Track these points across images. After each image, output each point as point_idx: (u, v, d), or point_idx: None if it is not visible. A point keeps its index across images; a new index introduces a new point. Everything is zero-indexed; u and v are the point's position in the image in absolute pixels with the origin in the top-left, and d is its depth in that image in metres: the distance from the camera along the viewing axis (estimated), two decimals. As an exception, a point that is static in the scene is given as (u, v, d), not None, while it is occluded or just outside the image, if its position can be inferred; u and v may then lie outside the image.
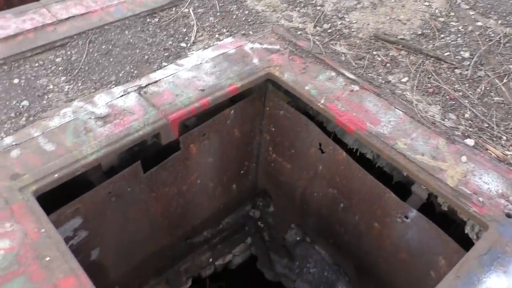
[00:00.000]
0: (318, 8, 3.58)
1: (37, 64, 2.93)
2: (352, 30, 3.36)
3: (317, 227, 3.62)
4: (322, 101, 2.67)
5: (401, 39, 3.27)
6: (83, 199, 2.44)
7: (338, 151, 2.90)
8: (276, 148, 3.44)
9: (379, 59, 3.11)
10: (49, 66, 2.93)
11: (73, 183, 2.33)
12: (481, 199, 2.21)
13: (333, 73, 2.88)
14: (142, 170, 2.70)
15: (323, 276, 3.92)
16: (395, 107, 2.69)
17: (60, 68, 2.91)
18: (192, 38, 3.19)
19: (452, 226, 2.74)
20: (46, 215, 2.01)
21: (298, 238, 3.91)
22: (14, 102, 2.65)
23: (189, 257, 3.81)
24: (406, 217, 2.68)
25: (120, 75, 2.86)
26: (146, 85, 2.69)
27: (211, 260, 3.91)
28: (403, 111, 2.67)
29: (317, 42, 3.16)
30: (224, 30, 3.28)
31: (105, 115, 2.48)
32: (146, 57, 3.01)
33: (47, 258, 1.84)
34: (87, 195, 2.45)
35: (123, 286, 3.37)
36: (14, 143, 2.31)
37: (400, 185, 2.92)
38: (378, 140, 2.48)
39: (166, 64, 2.93)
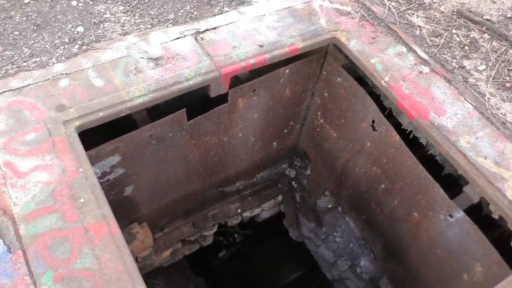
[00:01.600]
0: (401, -31, 3.25)
1: (96, -12, 2.82)
2: (434, 1, 3.04)
3: (352, 200, 3.52)
4: (386, 79, 2.47)
5: (487, 19, 2.94)
6: (124, 138, 2.41)
7: (391, 133, 2.72)
8: (326, 114, 3.28)
9: (458, 39, 2.82)
10: (109, -8, 2.81)
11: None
12: (540, 219, 2.04)
13: (404, 49, 2.64)
14: (186, 118, 2.63)
15: (348, 247, 3.88)
16: (465, 98, 2.46)
17: (119, -4, 2.80)
18: (259, -16, 2.97)
19: (496, 231, 2.59)
20: (86, 156, 1.98)
21: (330, 206, 3.84)
22: (69, 26, 2.59)
23: (219, 205, 3.83)
24: (451, 216, 2.53)
25: (179, 14, 2.72)
26: (204, 31, 2.55)
27: (239, 210, 3.92)
28: (472, 105, 2.43)
29: (392, 10, 2.89)
30: (294, -20, 3.03)
31: (158, 57, 2.38)
32: (208, -3, 2.84)
33: (81, 200, 1.83)
34: (128, 136, 2.41)
35: (151, 221, 3.44)
36: (64, 72, 2.26)
37: (449, 177, 2.75)
38: (439, 133, 2.28)
39: (228, 9, 2.75)
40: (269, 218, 4.35)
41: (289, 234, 4.35)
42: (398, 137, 2.69)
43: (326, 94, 3.16)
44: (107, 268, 1.69)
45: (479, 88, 2.57)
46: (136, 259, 3.32)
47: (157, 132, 2.56)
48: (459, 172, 2.33)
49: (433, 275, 2.88)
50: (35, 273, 1.64)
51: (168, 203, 3.36)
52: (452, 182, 2.72)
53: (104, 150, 2.40)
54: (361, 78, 2.91)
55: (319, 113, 3.34)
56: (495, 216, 2.30)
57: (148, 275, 5.74)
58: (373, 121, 2.84)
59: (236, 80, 2.80)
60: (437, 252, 2.76)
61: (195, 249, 4.16)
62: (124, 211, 3.08)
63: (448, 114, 2.36)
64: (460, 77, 2.59)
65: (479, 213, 2.51)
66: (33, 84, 2.19)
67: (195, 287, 6.41)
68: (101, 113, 2.12)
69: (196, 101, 2.71)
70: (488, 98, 2.52)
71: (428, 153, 2.76)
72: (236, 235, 7.79)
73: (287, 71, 2.86)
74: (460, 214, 2.46)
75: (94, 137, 2.37)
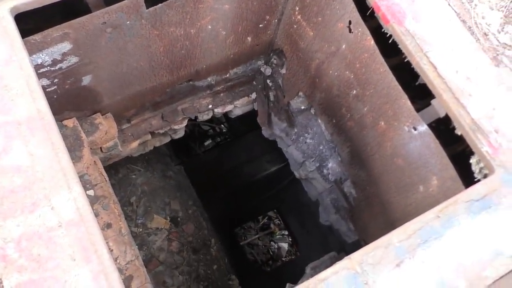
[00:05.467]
0: None
1: None
2: None
3: (324, 103, 3.43)
4: (366, -25, 2.22)
5: None
6: (72, 24, 2.21)
7: (366, 37, 2.53)
8: (303, 10, 3.03)
9: None
10: None
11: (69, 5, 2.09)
12: (499, 140, 1.97)
13: None
14: (144, 5, 2.40)
15: (317, 149, 3.88)
16: (449, 4, 2.24)
17: None
18: None
19: (460, 145, 2.55)
20: (22, 43, 1.81)
21: (303, 107, 3.75)
22: None
23: (189, 99, 3.72)
24: (415, 128, 2.46)
25: None
26: None
27: (210, 106, 3.82)
28: (456, 11, 2.23)
29: None
30: None
31: None
32: None
33: (14, 91, 1.71)
34: (76, 21, 2.21)
35: (117, 112, 3.36)
36: None
37: (422, 88, 2.64)
38: (412, 41, 2.11)
39: None
40: (242, 115, 4.28)
41: (262, 132, 4.33)
42: (372, 41, 2.50)
43: (305, -13, 2.89)
44: (41, 166, 1.62)
45: (467, -8, 2.33)
46: (100, 149, 3.30)
47: (112, 19, 2.35)
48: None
49: (393, 183, 2.91)
50: (-37, 166, 1.58)
51: (134, 95, 3.25)
52: (426, 92, 2.61)
53: (51, 35, 2.21)
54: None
55: (297, 8, 3.09)
56: (458, 132, 2.23)
57: (126, 161, 5.83)
58: (350, 22, 2.63)
59: (204, -35, 2.52)
60: (398, 162, 2.75)
61: (166, 141, 4.13)
62: (84, 101, 2.98)
63: (425, 20, 2.17)
64: (449, -22, 2.34)
65: (447, 126, 2.44)
66: (-38, -46, 1.93)
67: (174, 174, 6.58)
68: (39, -6, 1.90)
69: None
70: (475, 5, 2.31)
71: (406, 60, 2.61)
72: (223, 125, 7.81)
73: (261, -43, 2.56)
74: (423, 128, 2.39)
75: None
